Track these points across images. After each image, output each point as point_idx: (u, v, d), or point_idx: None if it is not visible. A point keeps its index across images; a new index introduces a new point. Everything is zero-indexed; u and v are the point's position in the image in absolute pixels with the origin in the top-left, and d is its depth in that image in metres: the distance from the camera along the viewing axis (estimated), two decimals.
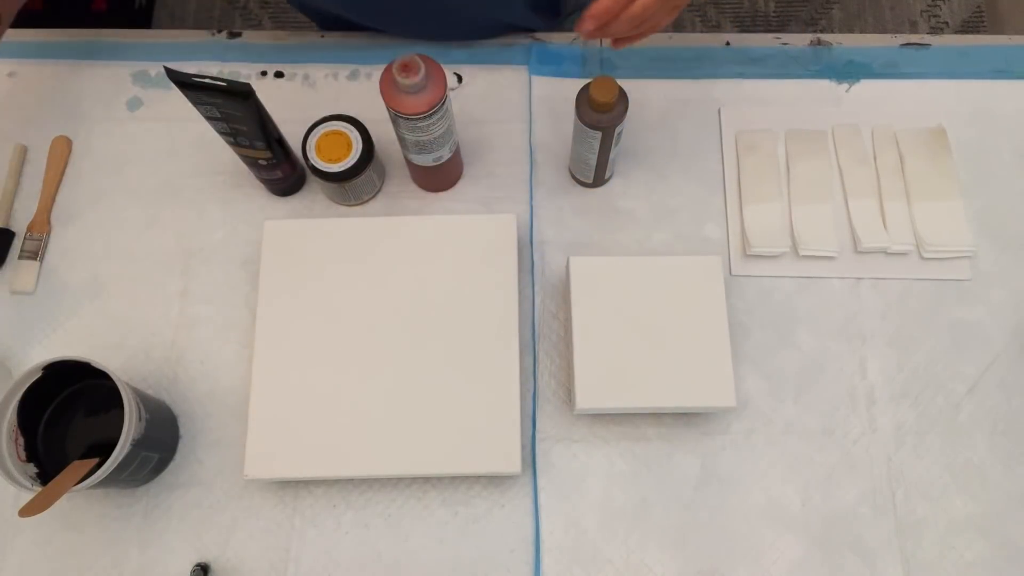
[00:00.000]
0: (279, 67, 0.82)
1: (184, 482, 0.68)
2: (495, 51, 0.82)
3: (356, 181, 0.71)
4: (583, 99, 0.65)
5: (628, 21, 0.54)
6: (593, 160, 0.70)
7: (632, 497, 0.67)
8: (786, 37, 0.82)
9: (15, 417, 0.60)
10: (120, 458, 0.57)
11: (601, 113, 0.64)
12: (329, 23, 0.87)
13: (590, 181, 0.75)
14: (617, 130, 0.66)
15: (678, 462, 0.68)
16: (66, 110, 0.80)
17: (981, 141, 0.78)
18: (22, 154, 0.78)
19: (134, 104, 0.81)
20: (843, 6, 1.74)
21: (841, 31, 1.72)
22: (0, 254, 0.74)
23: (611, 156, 0.70)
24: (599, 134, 0.65)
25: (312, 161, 0.69)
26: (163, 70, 0.62)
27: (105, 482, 0.58)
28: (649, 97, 0.79)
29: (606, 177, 0.75)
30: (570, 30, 0.69)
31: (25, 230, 0.75)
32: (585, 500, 0.67)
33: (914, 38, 0.82)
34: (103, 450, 0.58)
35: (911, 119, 0.78)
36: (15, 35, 0.84)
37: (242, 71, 0.82)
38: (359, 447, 0.64)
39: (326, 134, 0.70)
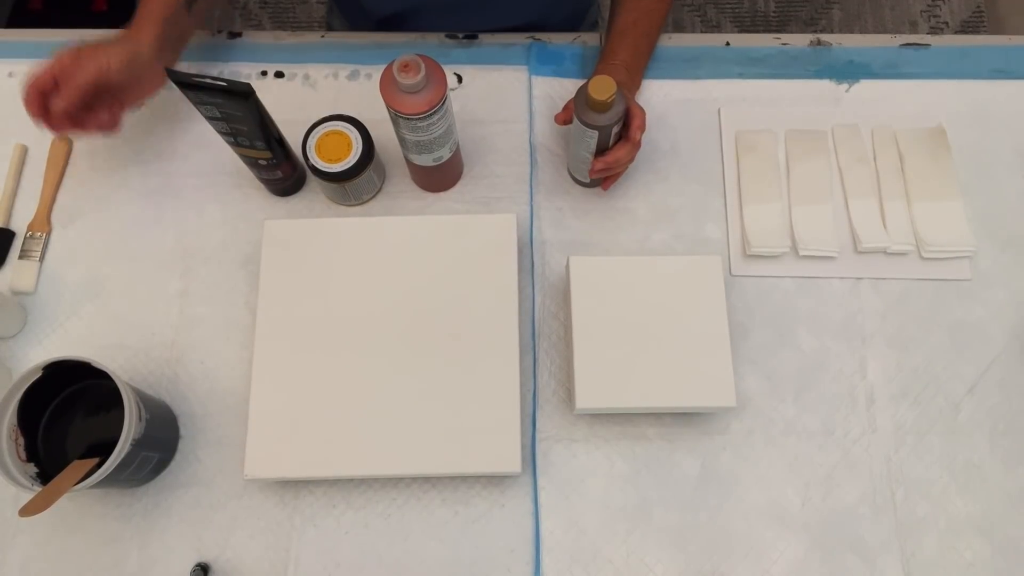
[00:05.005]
0: (279, 67, 0.82)
1: (184, 482, 0.68)
2: (495, 51, 0.82)
3: (356, 181, 0.71)
4: (581, 98, 0.65)
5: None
6: (590, 160, 0.70)
7: (632, 497, 0.67)
8: (786, 37, 0.82)
9: (15, 417, 0.60)
10: (120, 458, 0.57)
11: (598, 112, 0.64)
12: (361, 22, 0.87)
13: (588, 181, 0.75)
14: (614, 130, 0.66)
15: (678, 462, 0.68)
16: None
17: (981, 141, 0.78)
18: (22, 154, 0.78)
19: None
20: (843, 6, 1.74)
21: (841, 31, 1.72)
22: (0, 254, 0.74)
23: None
24: (596, 133, 0.66)
25: (312, 161, 0.69)
26: (163, 70, 0.62)
27: (105, 482, 0.58)
28: (649, 97, 0.80)
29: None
30: (574, 29, 0.69)
31: (25, 230, 0.75)
32: (585, 500, 0.67)
33: (914, 38, 0.82)
34: (103, 450, 0.58)
35: (911, 119, 0.78)
36: (15, 35, 0.84)
37: (242, 71, 0.82)
38: (359, 447, 0.64)
39: (326, 134, 0.70)
